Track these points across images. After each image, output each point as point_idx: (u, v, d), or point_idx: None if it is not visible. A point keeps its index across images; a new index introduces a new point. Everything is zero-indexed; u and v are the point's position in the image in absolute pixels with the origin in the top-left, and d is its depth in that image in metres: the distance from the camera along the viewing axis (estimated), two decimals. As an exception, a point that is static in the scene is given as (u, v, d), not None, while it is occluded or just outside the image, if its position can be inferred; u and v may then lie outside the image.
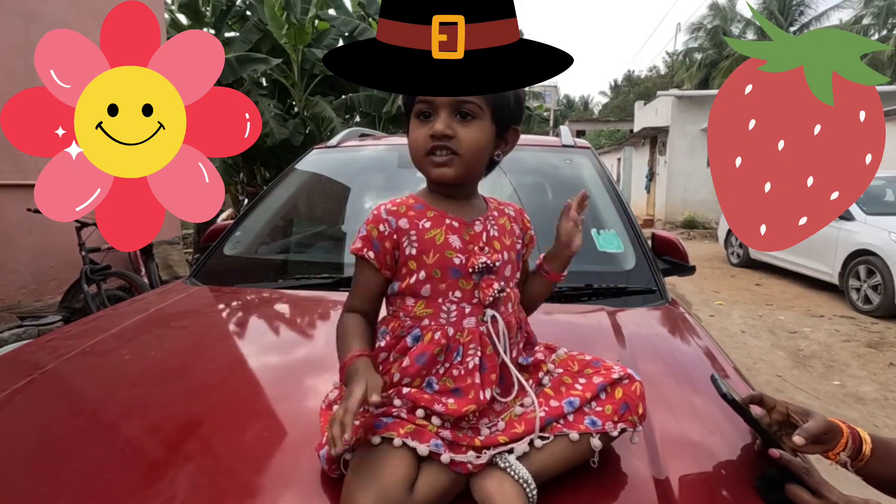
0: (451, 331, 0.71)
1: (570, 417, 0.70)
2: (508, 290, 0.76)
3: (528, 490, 0.63)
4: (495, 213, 0.81)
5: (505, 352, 0.72)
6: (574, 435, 0.68)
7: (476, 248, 0.74)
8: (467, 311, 0.72)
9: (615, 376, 0.73)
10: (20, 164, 3.72)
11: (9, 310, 3.54)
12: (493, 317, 0.72)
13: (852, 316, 5.19)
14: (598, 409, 0.71)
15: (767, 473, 0.70)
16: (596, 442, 0.68)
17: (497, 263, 0.74)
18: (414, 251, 0.72)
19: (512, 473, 0.63)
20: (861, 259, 5.38)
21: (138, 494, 0.64)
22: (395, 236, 0.73)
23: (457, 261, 0.72)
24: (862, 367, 3.81)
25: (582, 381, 0.74)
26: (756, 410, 0.76)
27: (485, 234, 0.76)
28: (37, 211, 3.57)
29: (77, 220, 3.77)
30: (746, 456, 0.76)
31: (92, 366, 1.03)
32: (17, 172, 3.70)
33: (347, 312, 0.76)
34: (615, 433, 0.70)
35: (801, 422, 0.74)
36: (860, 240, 5.44)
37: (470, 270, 0.72)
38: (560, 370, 0.78)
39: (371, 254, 0.73)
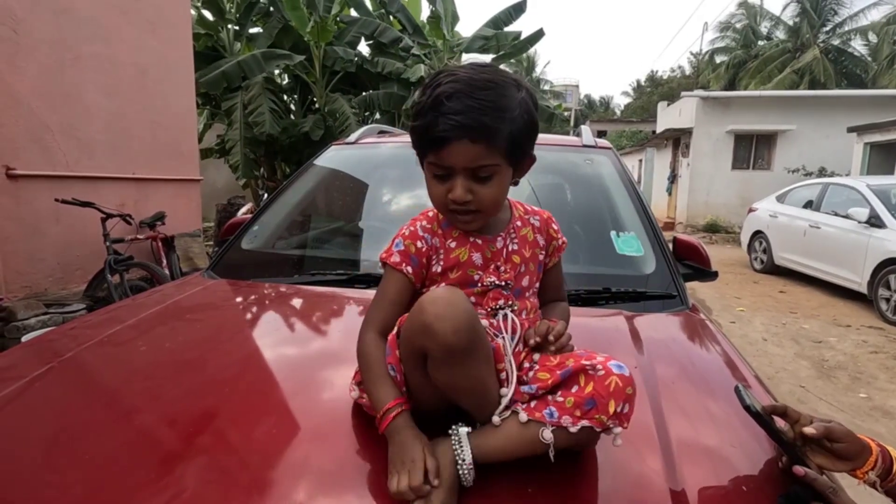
0: None
1: (532, 403, 0.67)
2: (525, 300, 0.80)
3: (461, 468, 0.63)
4: (518, 224, 0.84)
5: (512, 345, 0.73)
6: (523, 416, 0.65)
7: (493, 266, 0.78)
8: (480, 314, 0.75)
9: (586, 363, 0.66)
10: (49, 156, 3.82)
11: (36, 297, 3.63)
12: (505, 315, 0.75)
13: (881, 327, 5.02)
14: (560, 399, 0.66)
15: (791, 491, 0.67)
16: (547, 434, 0.64)
17: (509, 283, 0.78)
18: (440, 269, 0.77)
19: (455, 448, 0.64)
20: (892, 268, 5.19)
21: (149, 486, 0.65)
22: (430, 254, 0.78)
23: (476, 277, 0.77)
24: (890, 380, 3.68)
25: (558, 372, 0.69)
26: (780, 424, 0.73)
27: (505, 250, 0.80)
28: (64, 201, 3.65)
29: (102, 211, 3.86)
30: (769, 471, 0.73)
31: (108, 356, 1.05)
32: (46, 164, 3.80)
33: (371, 333, 0.75)
34: (574, 429, 0.63)
35: (826, 437, 0.71)
36: (891, 248, 5.25)
37: (481, 285, 0.77)
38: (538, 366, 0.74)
39: (409, 269, 0.77)
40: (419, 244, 0.78)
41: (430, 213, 0.82)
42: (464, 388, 0.66)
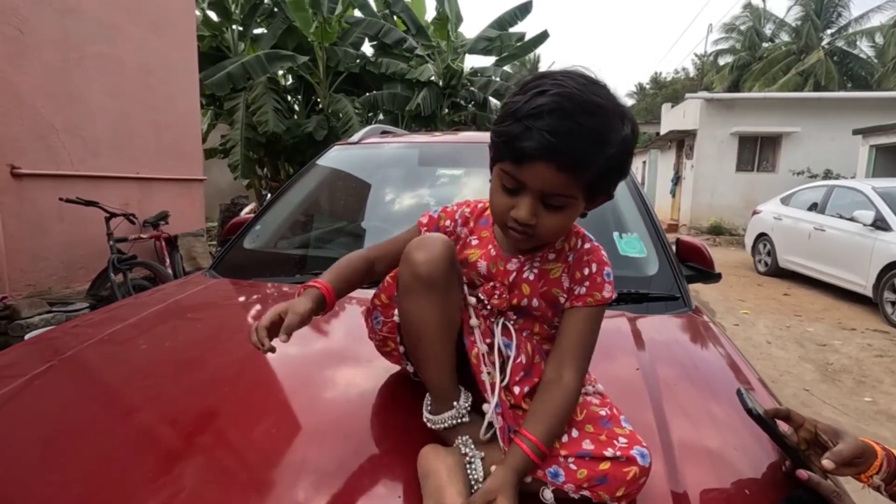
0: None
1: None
2: (534, 323, 0.77)
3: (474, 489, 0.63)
4: (551, 256, 0.75)
5: (497, 345, 0.73)
6: (527, 478, 0.63)
7: (490, 285, 0.75)
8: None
9: (608, 453, 0.62)
10: (53, 155, 3.83)
11: (39, 295, 3.65)
12: (504, 324, 0.74)
13: (886, 330, 4.98)
14: (573, 466, 0.63)
15: (795, 495, 0.67)
16: (548, 494, 0.62)
17: (497, 308, 0.75)
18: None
19: (469, 472, 0.64)
20: (897, 271, 5.16)
21: (149, 485, 0.64)
22: (451, 237, 0.78)
23: (478, 282, 0.76)
24: (895, 383, 3.65)
25: (574, 433, 0.67)
26: (783, 427, 0.73)
27: (514, 275, 0.74)
28: (68, 200, 3.66)
29: (106, 211, 3.88)
30: (772, 475, 0.72)
31: (109, 354, 1.05)
32: (51, 163, 3.81)
33: (363, 251, 0.83)
34: (574, 496, 0.62)
35: (831, 442, 0.70)
36: (897, 251, 5.22)
37: (479, 293, 0.76)
38: None
39: (426, 232, 0.80)
40: (447, 223, 0.80)
41: (480, 205, 0.81)
42: (419, 324, 0.69)
